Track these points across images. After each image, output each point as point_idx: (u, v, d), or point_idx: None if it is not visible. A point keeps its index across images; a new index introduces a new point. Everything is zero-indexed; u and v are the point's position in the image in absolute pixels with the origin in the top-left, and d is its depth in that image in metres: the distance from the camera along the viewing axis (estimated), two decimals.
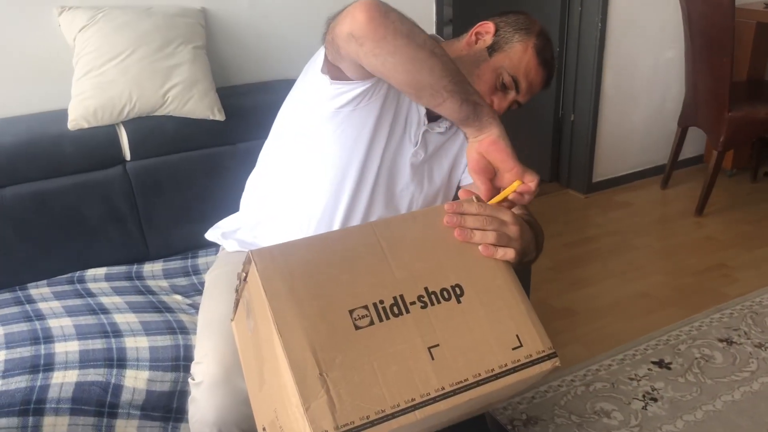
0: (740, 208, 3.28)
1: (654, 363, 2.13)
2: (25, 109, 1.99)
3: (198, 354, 1.27)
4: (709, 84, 3.00)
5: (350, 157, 1.29)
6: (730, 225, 3.11)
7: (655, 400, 1.97)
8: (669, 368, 2.10)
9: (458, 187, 1.47)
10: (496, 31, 1.28)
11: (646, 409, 1.93)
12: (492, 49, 1.28)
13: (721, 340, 2.23)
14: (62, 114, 1.86)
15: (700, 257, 2.82)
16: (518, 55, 1.27)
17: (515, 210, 1.06)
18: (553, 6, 3.24)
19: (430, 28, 2.62)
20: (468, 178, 1.44)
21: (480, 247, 0.94)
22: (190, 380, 1.25)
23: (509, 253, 0.94)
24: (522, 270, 0.97)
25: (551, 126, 3.47)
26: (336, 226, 1.33)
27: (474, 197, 1.00)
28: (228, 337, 1.22)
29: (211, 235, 1.56)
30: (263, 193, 1.45)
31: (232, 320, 1.05)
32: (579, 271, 2.76)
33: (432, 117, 1.36)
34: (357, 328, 0.83)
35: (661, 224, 3.21)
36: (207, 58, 2.01)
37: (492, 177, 1.02)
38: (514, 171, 0.99)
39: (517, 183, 0.99)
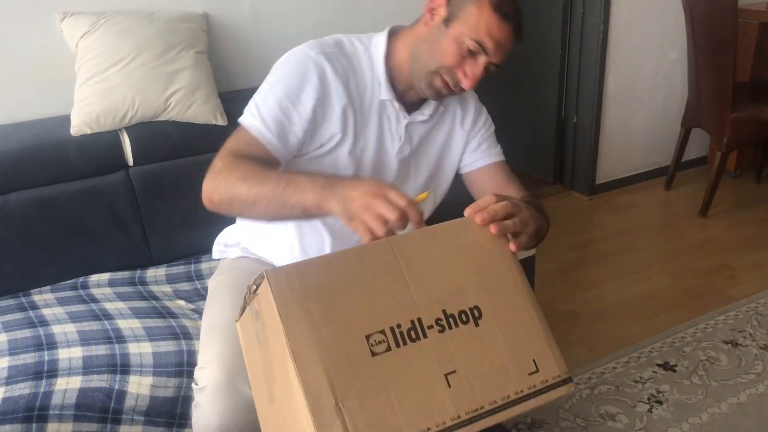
0: (744, 209, 3.27)
1: (659, 365, 2.12)
2: (28, 115, 2.00)
3: (201, 359, 1.27)
4: (713, 85, 2.99)
5: (324, 166, 1.30)
6: (735, 226, 3.10)
7: (660, 402, 1.96)
8: (674, 371, 2.09)
9: (458, 175, 1.47)
10: (448, 1, 1.24)
11: (651, 412, 1.92)
12: (448, 21, 1.23)
13: (726, 342, 2.22)
14: (65, 120, 1.87)
15: (705, 259, 2.81)
16: (474, 17, 1.21)
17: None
18: (555, 8, 3.24)
19: None
20: (473, 163, 1.44)
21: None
22: (193, 385, 1.24)
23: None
24: (526, 272, 0.97)
25: (554, 128, 3.47)
26: (325, 233, 1.35)
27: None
28: (231, 343, 1.22)
29: (216, 252, 1.58)
30: None
31: (237, 321, 1.04)
32: (583, 273, 2.75)
33: (412, 106, 1.35)
34: (374, 354, 0.82)
35: (665, 226, 3.20)
36: (209, 63, 2.02)
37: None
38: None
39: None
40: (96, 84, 1.85)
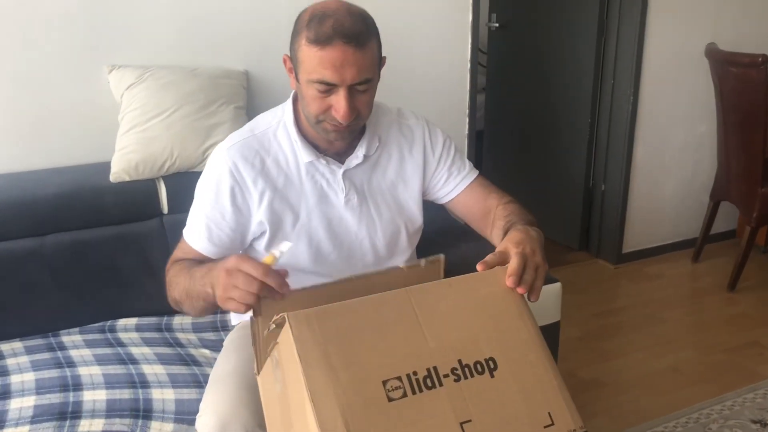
0: None
1: None
2: (69, 161, 2.07)
3: (201, 407, 1.28)
4: (742, 160, 2.99)
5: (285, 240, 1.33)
6: (764, 302, 3.04)
7: None
8: None
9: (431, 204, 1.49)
10: (290, 58, 1.26)
11: None
12: (296, 74, 1.24)
13: (754, 422, 2.16)
14: (105, 166, 1.93)
15: (733, 334, 2.76)
16: (305, 61, 1.18)
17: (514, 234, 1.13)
18: (586, 79, 3.29)
19: (464, 96, 2.69)
20: (450, 192, 1.45)
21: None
22: None
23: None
24: (550, 338, 0.99)
25: (581, 195, 3.48)
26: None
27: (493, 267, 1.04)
28: (228, 391, 1.24)
29: (234, 318, 1.60)
30: None
31: (257, 374, 1.05)
32: (607, 342, 2.72)
33: (341, 154, 1.36)
34: (390, 399, 0.83)
35: (692, 298, 3.16)
36: (247, 118, 2.07)
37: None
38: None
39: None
40: (137, 133, 1.92)
